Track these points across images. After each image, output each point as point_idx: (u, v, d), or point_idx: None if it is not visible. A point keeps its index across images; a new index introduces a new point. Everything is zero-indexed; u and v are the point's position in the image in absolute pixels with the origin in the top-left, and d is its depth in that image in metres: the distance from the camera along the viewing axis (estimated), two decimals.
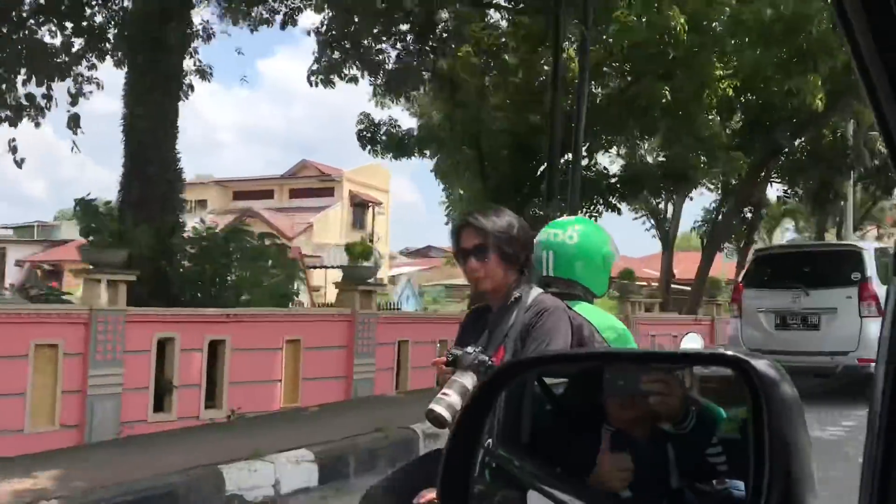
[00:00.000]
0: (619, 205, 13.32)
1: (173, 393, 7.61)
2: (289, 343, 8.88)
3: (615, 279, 20.25)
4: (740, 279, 10.72)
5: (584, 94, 9.86)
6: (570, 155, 14.94)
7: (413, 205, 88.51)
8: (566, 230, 2.67)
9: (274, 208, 41.10)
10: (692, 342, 3.14)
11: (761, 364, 1.06)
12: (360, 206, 40.69)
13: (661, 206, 21.46)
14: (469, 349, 2.32)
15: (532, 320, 2.40)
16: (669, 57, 10.59)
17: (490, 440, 1.46)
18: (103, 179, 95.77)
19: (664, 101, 10.63)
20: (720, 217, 16.16)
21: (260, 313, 8.85)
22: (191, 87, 14.46)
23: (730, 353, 1.17)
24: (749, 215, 17.62)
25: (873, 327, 9.20)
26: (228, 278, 9.29)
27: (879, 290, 9.33)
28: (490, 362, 2.30)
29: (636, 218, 21.74)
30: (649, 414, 1.58)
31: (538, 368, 1.67)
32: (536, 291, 2.48)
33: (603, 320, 2.59)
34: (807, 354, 8.98)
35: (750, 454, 1.06)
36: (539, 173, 12.75)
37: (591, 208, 13.08)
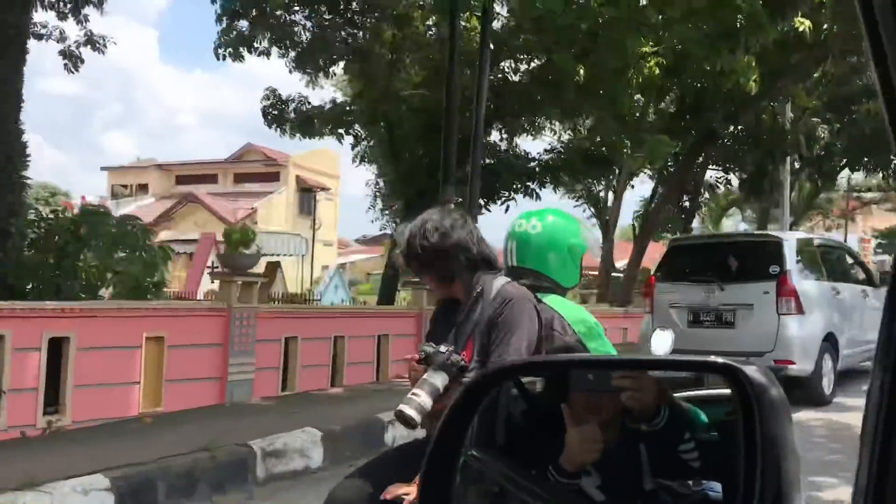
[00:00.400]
0: (538, 191, 12.45)
1: (2, 398, 6.61)
2: (150, 340, 7.92)
3: None
4: (653, 271, 9.91)
5: (486, 69, 8.94)
6: (496, 136, 14.17)
7: None
8: (530, 220, 2.60)
9: (217, 193, 39.76)
10: (662, 339, 3.14)
11: (751, 370, 1.11)
12: (306, 192, 39.50)
13: (602, 193, 20.80)
14: (442, 348, 2.28)
15: (496, 311, 2.34)
16: (583, 29, 9.68)
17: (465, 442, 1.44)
18: (59, 162, 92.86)
19: (577, 78, 9.74)
20: (653, 205, 15.39)
21: (113, 307, 7.87)
22: (80, 59, 13.34)
23: (720, 360, 1.21)
24: (687, 203, 16.91)
25: (792, 325, 8.46)
26: (79, 267, 8.23)
27: (800, 284, 8.58)
28: (462, 362, 2.27)
29: (577, 206, 21.12)
30: (619, 413, 1.56)
31: (524, 374, 1.69)
32: (501, 282, 2.42)
33: (574, 313, 2.51)
34: (720, 355, 8.13)
35: (741, 456, 1.08)
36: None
37: (508, 195, 12.20)
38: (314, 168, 39.47)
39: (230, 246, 9.12)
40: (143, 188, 43.49)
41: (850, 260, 10.45)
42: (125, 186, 43.37)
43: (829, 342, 8.80)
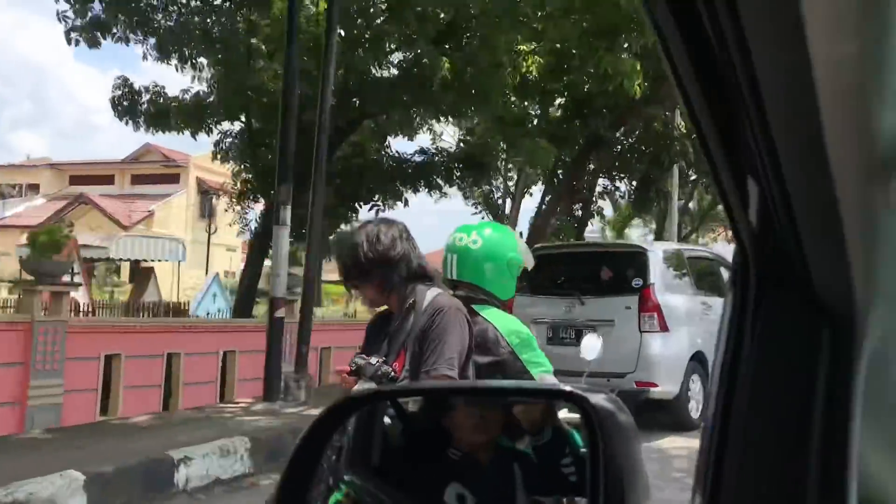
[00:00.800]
0: (409, 194, 11.57)
1: None
2: None
3: None
4: None
5: (332, 57, 8.03)
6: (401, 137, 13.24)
7: None
8: (471, 234, 2.64)
9: (113, 195, 37.67)
10: (592, 344, 3.42)
11: (596, 398, 1.16)
12: (208, 194, 37.74)
13: (500, 201, 20.26)
14: (372, 360, 2.32)
15: (428, 322, 2.36)
16: (445, 20, 8.89)
17: (337, 463, 1.49)
18: None
19: (443, 73, 8.95)
20: (541, 212, 14.76)
21: None
22: None
23: (567, 387, 1.23)
24: (580, 212, 16.37)
25: (654, 344, 7.83)
26: None
27: (665, 299, 7.95)
28: (392, 373, 2.30)
29: (475, 213, 20.50)
30: (502, 430, 1.64)
31: (378, 401, 1.68)
32: (433, 293, 2.44)
33: (507, 325, 2.55)
34: (579, 375, 7.42)
35: (587, 480, 1.14)
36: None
37: (377, 198, 11.30)
38: (217, 169, 37.74)
39: (35, 251, 7.97)
40: (34, 188, 40.92)
41: (725, 272, 9.95)
42: (13, 186, 40.67)
43: (698, 361, 8.19)
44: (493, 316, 2.54)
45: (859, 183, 0.58)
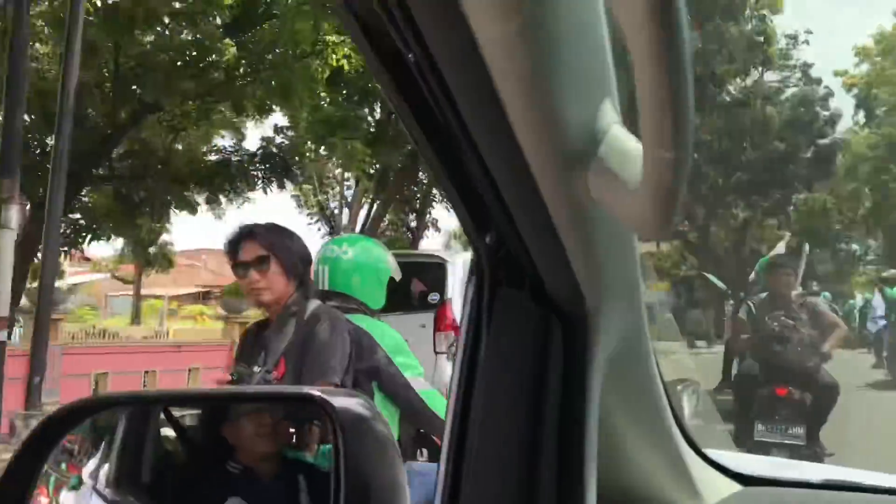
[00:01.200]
0: (197, 200, 10.26)
1: None
2: None
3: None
4: None
5: (77, 26, 6.77)
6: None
7: None
8: (342, 246, 2.78)
9: None
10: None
11: (344, 401, 1.04)
12: None
13: (336, 210, 19.28)
14: (256, 368, 2.34)
15: (309, 332, 2.39)
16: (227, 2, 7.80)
17: (102, 479, 1.40)
18: None
19: (227, 59, 7.82)
20: (368, 221, 13.80)
21: None
22: None
23: (315, 391, 1.11)
24: (414, 223, 15.57)
25: (450, 368, 6.99)
26: None
27: None
28: (274, 382, 2.31)
29: (311, 224, 19.39)
30: (290, 441, 1.58)
31: (107, 410, 1.51)
32: (314, 304, 2.50)
33: (381, 331, 2.65)
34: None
35: (331, 494, 1.00)
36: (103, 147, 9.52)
37: (163, 203, 9.94)
38: None
39: None
40: None
41: None
42: None
43: None
44: (366, 324, 2.61)
45: (559, 177, 0.55)
